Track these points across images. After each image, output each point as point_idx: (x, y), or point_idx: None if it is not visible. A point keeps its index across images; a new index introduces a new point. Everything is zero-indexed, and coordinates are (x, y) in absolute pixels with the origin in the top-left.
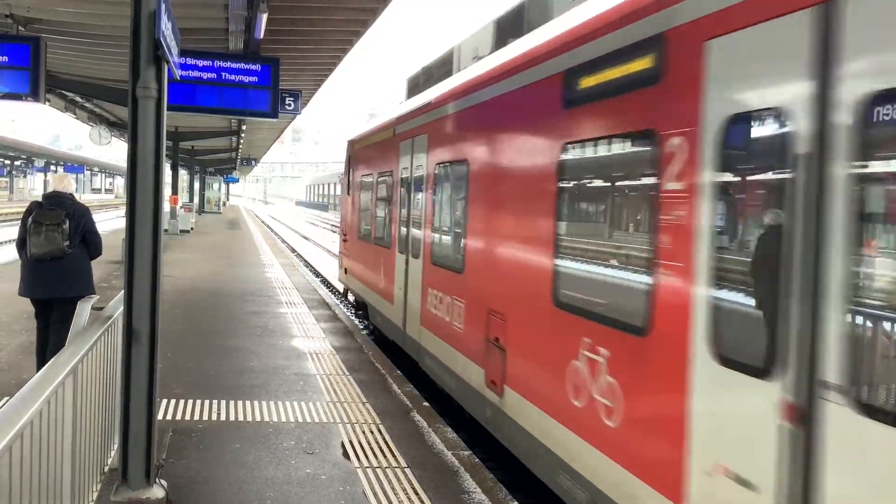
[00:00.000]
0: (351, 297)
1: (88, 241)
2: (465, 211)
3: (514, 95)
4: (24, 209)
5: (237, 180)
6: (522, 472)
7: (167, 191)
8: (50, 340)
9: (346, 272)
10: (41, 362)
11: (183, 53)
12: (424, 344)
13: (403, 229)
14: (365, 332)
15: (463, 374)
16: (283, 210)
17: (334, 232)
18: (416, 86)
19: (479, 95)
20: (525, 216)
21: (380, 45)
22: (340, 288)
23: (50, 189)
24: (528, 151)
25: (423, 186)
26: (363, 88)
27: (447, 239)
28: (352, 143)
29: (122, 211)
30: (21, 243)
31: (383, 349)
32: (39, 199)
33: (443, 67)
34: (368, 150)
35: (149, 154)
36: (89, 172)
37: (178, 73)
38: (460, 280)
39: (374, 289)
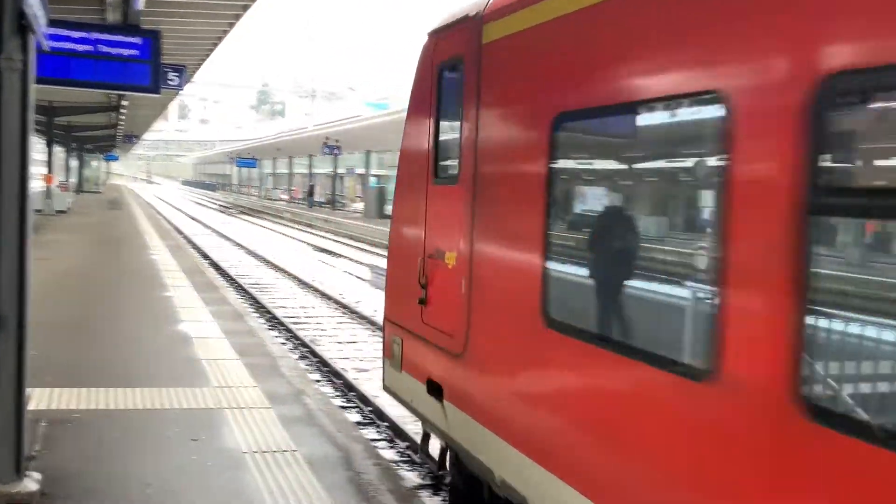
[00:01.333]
0: (444, 457)
1: None
2: None
3: None
4: None
5: (117, 158)
6: (414, 450)
7: (42, 169)
8: None
9: (438, 397)
10: None
11: (54, 24)
12: None
13: None
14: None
15: None
16: (168, 190)
17: (222, 213)
18: None
19: None
20: None
21: (272, 24)
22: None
23: None
24: None
25: None
26: (254, 67)
27: None
28: (472, 27)
29: None
30: None
31: None
32: None
33: None
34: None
35: (13, 130)
36: None
37: (46, 44)
38: None
39: None
